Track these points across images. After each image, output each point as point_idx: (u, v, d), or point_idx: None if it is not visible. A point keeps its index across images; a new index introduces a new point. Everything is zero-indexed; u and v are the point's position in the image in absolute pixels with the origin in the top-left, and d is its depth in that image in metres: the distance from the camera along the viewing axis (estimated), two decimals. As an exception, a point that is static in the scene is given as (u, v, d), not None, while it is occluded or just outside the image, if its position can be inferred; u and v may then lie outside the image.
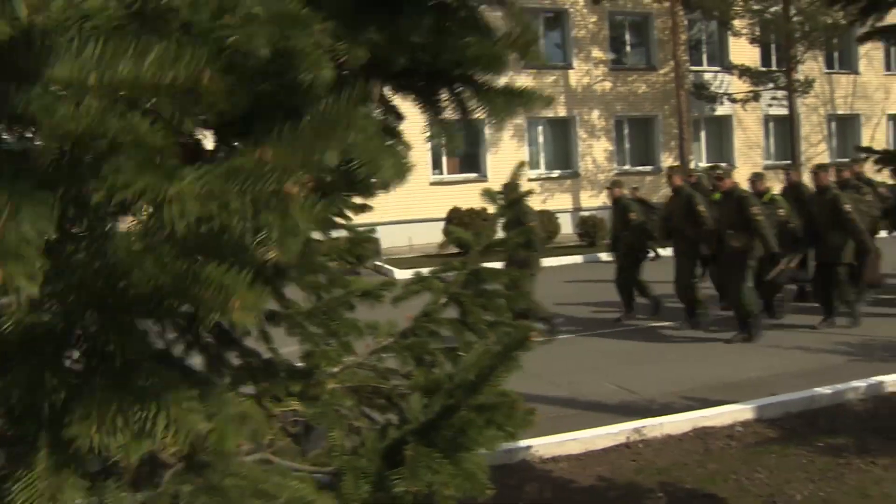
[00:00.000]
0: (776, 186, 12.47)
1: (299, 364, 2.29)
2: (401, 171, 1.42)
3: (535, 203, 19.87)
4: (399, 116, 1.98)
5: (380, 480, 1.83)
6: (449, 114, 1.98)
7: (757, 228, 9.66)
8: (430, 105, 1.88)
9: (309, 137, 1.03)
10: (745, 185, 11.24)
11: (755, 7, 24.70)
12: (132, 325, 1.15)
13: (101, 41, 0.95)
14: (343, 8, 1.48)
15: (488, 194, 6.59)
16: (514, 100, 1.91)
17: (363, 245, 2.65)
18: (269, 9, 1.06)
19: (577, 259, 19.34)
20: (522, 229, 2.69)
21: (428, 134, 1.99)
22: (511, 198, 10.41)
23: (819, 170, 10.71)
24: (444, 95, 1.90)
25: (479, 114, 1.96)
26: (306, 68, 1.10)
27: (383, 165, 1.31)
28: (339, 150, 1.06)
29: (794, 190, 11.73)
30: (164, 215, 0.93)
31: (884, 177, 10.42)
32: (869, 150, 3.48)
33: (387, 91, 1.91)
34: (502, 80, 1.97)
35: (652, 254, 11.80)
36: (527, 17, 1.92)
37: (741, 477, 5.66)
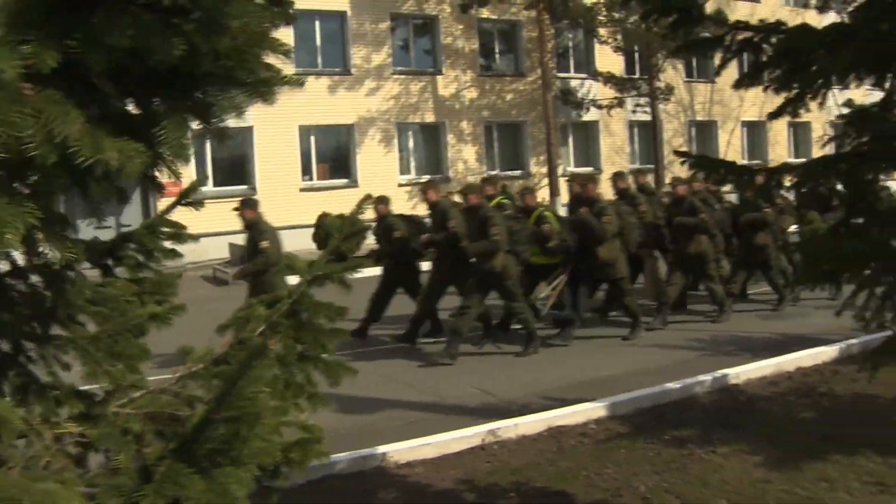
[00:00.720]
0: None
1: (82, 388, 2.20)
2: (127, 161, 1.37)
3: (407, 207, 19.98)
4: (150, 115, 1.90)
5: (133, 498, 1.77)
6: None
7: (494, 246, 9.40)
8: (183, 106, 1.83)
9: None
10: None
11: (617, 16, 25.48)
12: None
13: None
14: (33, 13, 1.43)
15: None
16: (259, 88, 1.88)
17: (166, 287, 2.61)
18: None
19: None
20: (349, 263, 2.61)
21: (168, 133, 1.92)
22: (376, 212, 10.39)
23: (586, 181, 10.85)
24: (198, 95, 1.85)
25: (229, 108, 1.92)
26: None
27: (106, 156, 1.26)
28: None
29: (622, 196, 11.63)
30: None
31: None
32: (685, 154, 3.61)
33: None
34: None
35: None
36: (264, 14, 1.88)
37: (591, 473, 5.78)
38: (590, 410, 6.99)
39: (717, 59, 3.76)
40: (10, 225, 1.31)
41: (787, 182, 3.52)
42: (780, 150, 31.87)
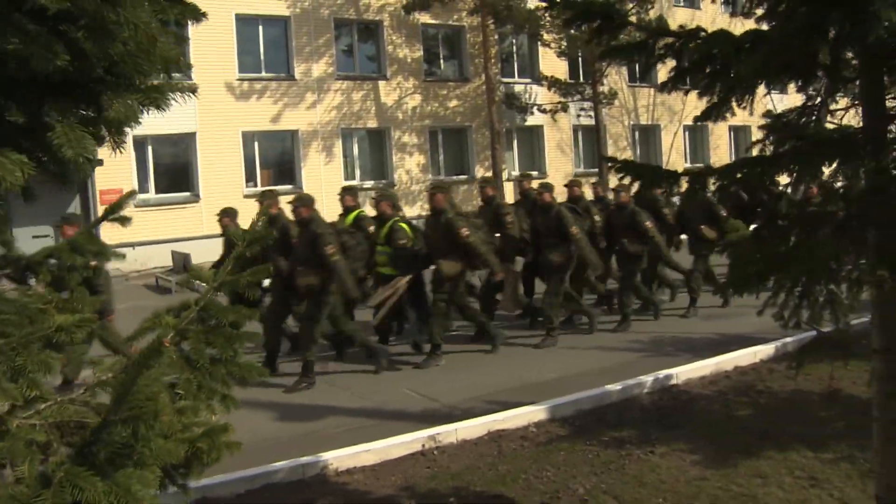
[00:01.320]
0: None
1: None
2: (6, 173, 1.33)
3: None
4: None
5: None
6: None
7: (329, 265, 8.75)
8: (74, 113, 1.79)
9: None
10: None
11: (559, 22, 25.69)
12: None
13: None
14: None
15: None
16: (151, 94, 1.85)
17: (81, 302, 2.57)
18: None
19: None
20: (259, 268, 2.59)
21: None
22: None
23: (436, 190, 9.91)
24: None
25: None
26: None
27: None
28: None
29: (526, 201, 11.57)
30: None
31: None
32: (612, 159, 3.65)
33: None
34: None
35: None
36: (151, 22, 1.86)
37: (530, 475, 5.80)
38: (530, 414, 7.01)
39: (640, 65, 3.79)
40: None
41: (711, 185, 3.57)
42: (720, 153, 32.43)
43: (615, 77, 28.79)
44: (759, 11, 3.60)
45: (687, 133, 32.21)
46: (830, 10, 3.06)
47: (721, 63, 3.26)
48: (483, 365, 9.37)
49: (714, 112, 3.75)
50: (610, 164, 3.67)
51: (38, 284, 2.91)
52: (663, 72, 4.32)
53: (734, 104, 3.87)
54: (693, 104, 26.68)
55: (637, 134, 31.25)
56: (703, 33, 3.40)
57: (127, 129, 2.21)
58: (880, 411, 3.92)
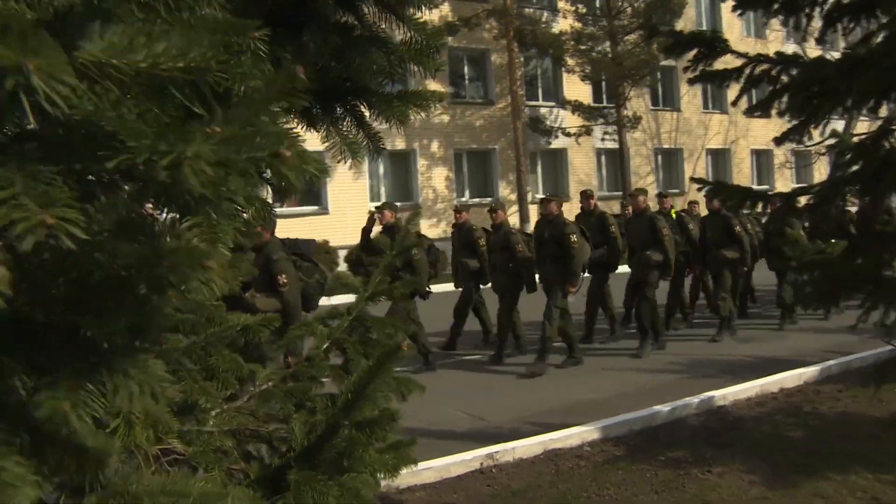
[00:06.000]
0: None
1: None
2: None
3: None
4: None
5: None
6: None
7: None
8: (327, 119, 1.89)
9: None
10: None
11: (582, 48, 25.89)
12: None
13: (120, 25, 0.95)
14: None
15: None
16: (409, 102, 1.95)
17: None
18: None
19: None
20: (409, 280, 2.69)
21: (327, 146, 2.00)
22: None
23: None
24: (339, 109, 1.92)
25: (376, 122, 2.01)
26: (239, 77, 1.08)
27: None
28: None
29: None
30: (180, 175, 0.90)
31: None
32: (702, 180, 3.75)
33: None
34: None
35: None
36: (426, 27, 1.97)
37: (591, 494, 5.84)
38: (584, 433, 7.05)
39: (733, 89, 3.89)
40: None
41: (802, 205, 3.65)
42: (742, 177, 32.48)
43: (638, 101, 28.93)
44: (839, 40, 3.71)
45: (710, 157, 32.28)
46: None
47: (820, 86, 3.35)
48: (522, 385, 9.43)
49: (795, 134, 3.84)
50: (699, 186, 3.76)
51: None
52: (686, 97, 4.42)
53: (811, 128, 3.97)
54: (715, 129, 26.71)
55: (660, 158, 31.35)
56: (800, 60, 3.50)
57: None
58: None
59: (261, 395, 2.36)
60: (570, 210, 14.06)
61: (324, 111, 1.92)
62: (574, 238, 9.99)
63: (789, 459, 6.32)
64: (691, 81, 4.15)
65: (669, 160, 31.64)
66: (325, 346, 2.48)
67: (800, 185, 5.20)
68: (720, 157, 32.59)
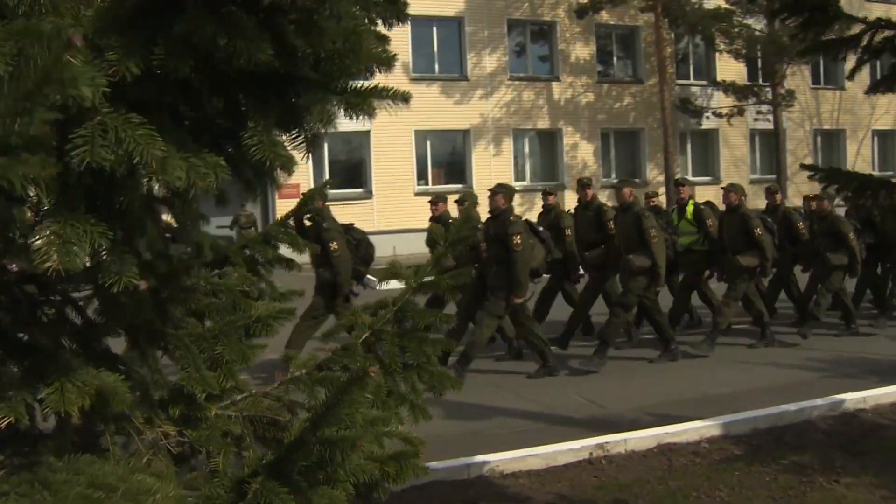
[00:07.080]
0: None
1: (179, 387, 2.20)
2: (199, 178, 1.36)
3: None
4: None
5: (227, 511, 1.77)
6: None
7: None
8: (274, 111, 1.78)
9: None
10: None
11: (735, 29, 24.73)
12: None
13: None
14: (120, 19, 1.41)
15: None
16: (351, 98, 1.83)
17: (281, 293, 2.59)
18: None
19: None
20: (461, 271, 2.55)
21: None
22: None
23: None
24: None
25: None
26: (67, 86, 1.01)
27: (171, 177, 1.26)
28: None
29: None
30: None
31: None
32: (814, 167, 3.42)
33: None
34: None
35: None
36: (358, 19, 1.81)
37: (702, 494, 5.57)
38: (703, 429, 6.75)
39: (849, 62, 3.53)
40: (72, 245, 1.31)
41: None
42: (914, 161, 30.34)
43: (796, 79, 27.41)
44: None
45: (876, 139, 30.26)
46: None
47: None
48: (653, 373, 9.16)
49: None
50: (811, 174, 3.45)
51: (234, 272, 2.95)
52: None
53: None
54: (884, 108, 24.92)
55: (819, 139, 29.63)
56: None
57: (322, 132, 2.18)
58: None
59: (291, 381, 2.33)
60: (716, 196, 13.10)
61: (229, 109, 1.79)
62: (518, 240, 8.72)
63: (932, 474, 5.83)
64: (801, 53, 3.79)
65: (830, 142, 29.85)
66: (363, 336, 2.41)
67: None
68: (889, 140, 30.46)
